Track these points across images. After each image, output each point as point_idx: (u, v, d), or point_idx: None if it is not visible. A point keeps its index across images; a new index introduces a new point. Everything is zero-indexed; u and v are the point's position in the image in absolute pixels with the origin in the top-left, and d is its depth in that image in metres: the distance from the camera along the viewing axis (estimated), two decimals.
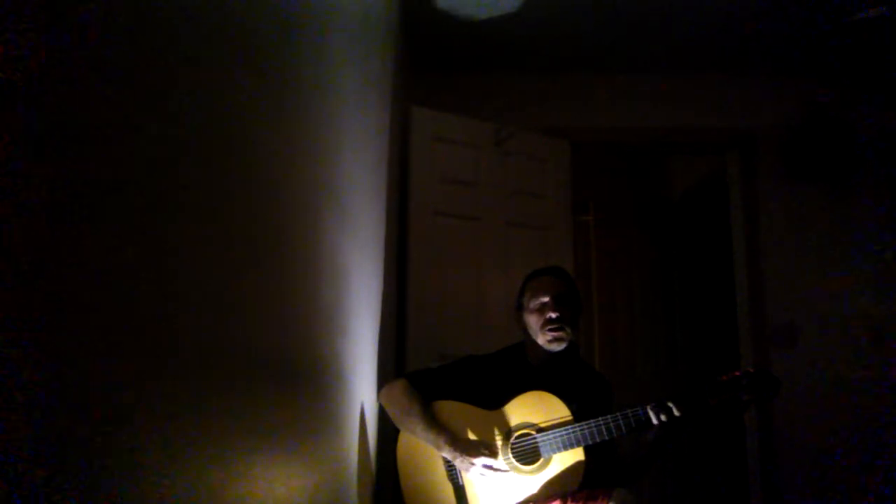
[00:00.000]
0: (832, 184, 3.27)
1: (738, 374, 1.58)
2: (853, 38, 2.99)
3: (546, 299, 1.76)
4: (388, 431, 1.96)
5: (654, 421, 1.56)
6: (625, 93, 3.40)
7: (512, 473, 1.62)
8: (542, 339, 1.75)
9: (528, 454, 1.63)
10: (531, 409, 1.66)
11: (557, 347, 1.75)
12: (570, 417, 1.62)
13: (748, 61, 3.28)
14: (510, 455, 1.64)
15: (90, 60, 0.44)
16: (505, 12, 2.83)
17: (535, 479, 1.61)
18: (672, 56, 3.23)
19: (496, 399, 1.70)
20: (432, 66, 3.29)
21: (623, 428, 1.57)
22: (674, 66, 3.34)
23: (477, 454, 1.58)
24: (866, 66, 3.24)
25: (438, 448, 1.63)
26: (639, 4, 2.79)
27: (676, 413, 1.54)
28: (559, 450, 1.60)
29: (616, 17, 2.89)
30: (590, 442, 1.58)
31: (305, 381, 1.08)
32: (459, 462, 1.60)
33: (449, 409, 1.70)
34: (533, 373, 1.78)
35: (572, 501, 1.58)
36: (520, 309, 1.85)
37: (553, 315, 1.73)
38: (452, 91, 3.27)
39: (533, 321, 1.77)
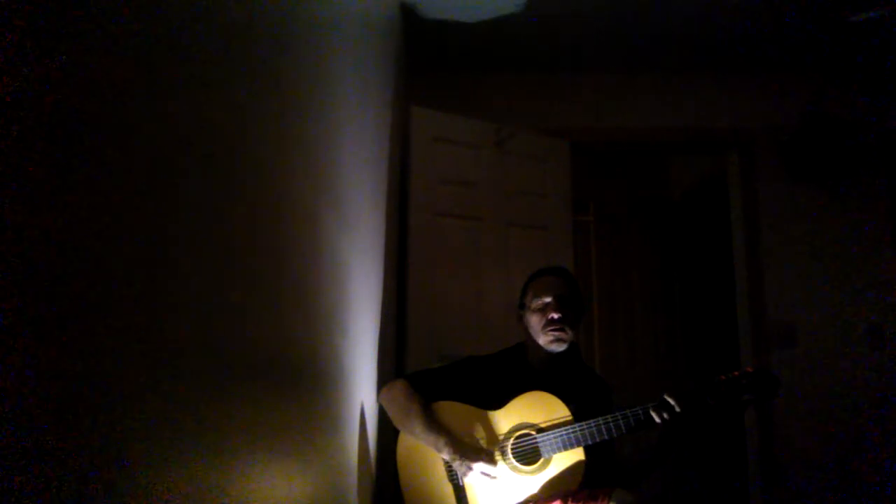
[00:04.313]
0: (832, 184, 3.27)
1: (737, 373, 1.58)
2: (853, 38, 2.99)
3: (548, 299, 1.76)
4: (388, 431, 1.96)
5: (653, 421, 1.56)
6: (625, 93, 3.40)
7: (512, 474, 1.62)
8: (543, 339, 1.75)
9: (528, 454, 1.63)
10: (531, 410, 1.66)
11: (558, 348, 1.75)
12: (570, 417, 1.62)
13: (748, 61, 3.28)
14: (510, 455, 1.64)
15: (90, 64, 0.44)
16: (505, 13, 2.83)
17: (535, 480, 1.61)
18: (672, 56, 3.23)
19: (496, 399, 1.70)
20: (432, 66, 3.29)
21: (623, 428, 1.57)
22: (674, 66, 3.34)
23: (476, 459, 1.58)
24: (866, 66, 3.24)
25: (438, 449, 1.63)
26: (639, 4, 2.79)
27: (677, 410, 1.53)
28: (559, 450, 1.60)
29: (616, 17, 2.89)
30: (590, 442, 1.58)
31: (305, 382, 1.08)
32: (458, 465, 1.60)
33: (449, 409, 1.70)
34: (533, 373, 1.78)
35: (573, 501, 1.58)
36: (522, 308, 1.84)
37: (555, 316, 1.73)
38: (452, 91, 3.27)
39: (534, 321, 1.77)
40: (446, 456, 1.62)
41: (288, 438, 0.95)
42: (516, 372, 1.79)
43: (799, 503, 3.04)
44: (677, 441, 1.63)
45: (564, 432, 1.60)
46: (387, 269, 2.32)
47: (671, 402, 1.54)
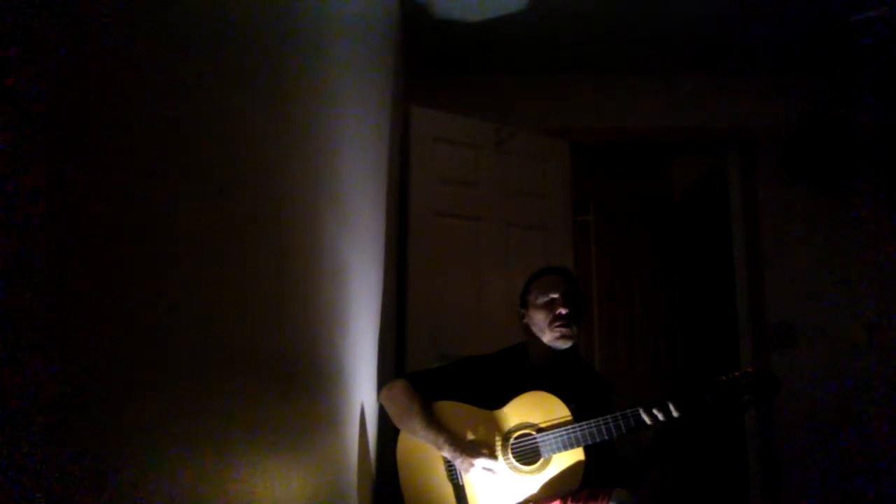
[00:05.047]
0: (832, 184, 3.27)
1: (737, 374, 1.58)
2: (853, 38, 2.99)
3: (555, 296, 1.77)
4: (388, 431, 1.96)
5: (653, 421, 1.56)
6: (625, 93, 3.41)
7: (512, 473, 1.62)
8: (550, 335, 1.75)
9: (528, 454, 1.63)
10: (531, 409, 1.66)
11: (563, 345, 1.75)
12: (570, 417, 1.62)
13: (748, 61, 3.28)
14: (510, 455, 1.64)
15: (91, 65, 0.44)
16: (505, 13, 2.83)
17: (535, 479, 1.61)
18: (672, 56, 3.23)
19: (496, 399, 1.70)
20: (432, 66, 3.29)
21: (623, 428, 1.57)
22: (674, 66, 3.34)
23: (476, 455, 1.58)
24: (866, 66, 3.24)
25: (438, 448, 1.63)
26: (639, 4, 2.79)
27: (675, 413, 1.54)
28: (559, 450, 1.60)
29: (616, 17, 2.89)
30: (589, 442, 1.58)
31: (305, 382, 1.08)
32: (459, 463, 1.60)
33: (449, 409, 1.71)
34: (533, 373, 1.78)
35: (572, 501, 1.58)
36: (524, 307, 1.85)
37: (563, 311, 1.73)
38: (452, 91, 3.27)
39: (540, 318, 1.77)
40: (447, 454, 1.62)
41: (288, 438, 0.95)
42: (517, 371, 1.79)
43: (799, 503, 3.04)
44: (677, 439, 1.64)
45: (564, 432, 1.60)
46: (387, 269, 2.32)
47: (671, 404, 1.55)
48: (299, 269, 1.02)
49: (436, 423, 1.65)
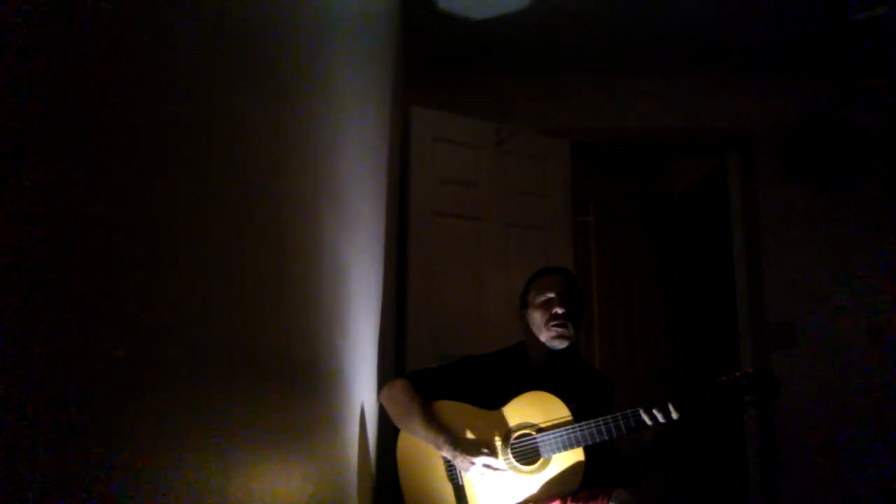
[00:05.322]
0: (832, 184, 3.27)
1: (737, 374, 1.58)
2: (853, 38, 2.99)
3: (552, 295, 1.77)
4: (388, 431, 1.96)
5: (653, 421, 1.56)
6: (625, 93, 3.41)
7: (512, 473, 1.62)
8: (546, 335, 1.75)
9: (527, 454, 1.63)
10: (531, 409, 1.66)
11: (560, 345, 1.75)
12: (570, 417, 1.62)
13: (748, 61, 3.28)
14: (510, 455, 1.64)
15: (91, 65, 0.44)
16: (505, 13, 2.83)
17: (534, 480, 1.61)
18: (672, 56, 3.23)
19: (496, 399, 1.70)
20: (432, 66, 3.29)
21: (623, 428, 1.57)
22: (674, 66, 3.34)
23: (476, 453, 1.58)
24: (866, 66, 3.24)
25: (438, 447, 1.63)
26: (639, 4, 2.79)
27: (675, 414, 1.54)
28: (559, 450, 1.60)
29: (616, 17, 2.89)
30: (589, 442, 1.58)
31: (305, 382, 1.08)
32: (459, 461, 1.60)
33: (449, 408, 1.71)
34: (534, 372, 1.78)
35: (572, 502, 1.58)
36: (524, 307, 1.85)
37: (559, 311, 1.73)
38: (452, 91, 3.27)
39: (538, 317, 1.77)
40: (447, 453, 1.62)
41: (288, 439, 0.95)
42: (517, 371, 1.79)
43: (799, 503, 3.04)
44: (677, 439, 1.64)
45: (564, 432, 1.60)
46: (387, 269, 2.32)
47: (670, 404, 1.55)
48: (299, 269, 1.02)
49: (436, 423, 1.65)
